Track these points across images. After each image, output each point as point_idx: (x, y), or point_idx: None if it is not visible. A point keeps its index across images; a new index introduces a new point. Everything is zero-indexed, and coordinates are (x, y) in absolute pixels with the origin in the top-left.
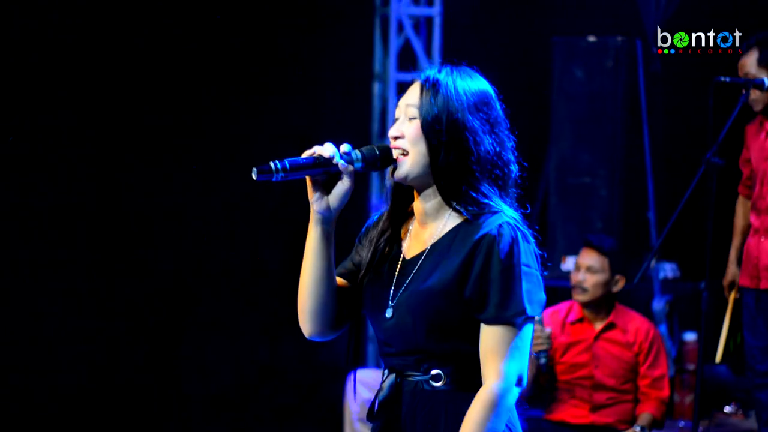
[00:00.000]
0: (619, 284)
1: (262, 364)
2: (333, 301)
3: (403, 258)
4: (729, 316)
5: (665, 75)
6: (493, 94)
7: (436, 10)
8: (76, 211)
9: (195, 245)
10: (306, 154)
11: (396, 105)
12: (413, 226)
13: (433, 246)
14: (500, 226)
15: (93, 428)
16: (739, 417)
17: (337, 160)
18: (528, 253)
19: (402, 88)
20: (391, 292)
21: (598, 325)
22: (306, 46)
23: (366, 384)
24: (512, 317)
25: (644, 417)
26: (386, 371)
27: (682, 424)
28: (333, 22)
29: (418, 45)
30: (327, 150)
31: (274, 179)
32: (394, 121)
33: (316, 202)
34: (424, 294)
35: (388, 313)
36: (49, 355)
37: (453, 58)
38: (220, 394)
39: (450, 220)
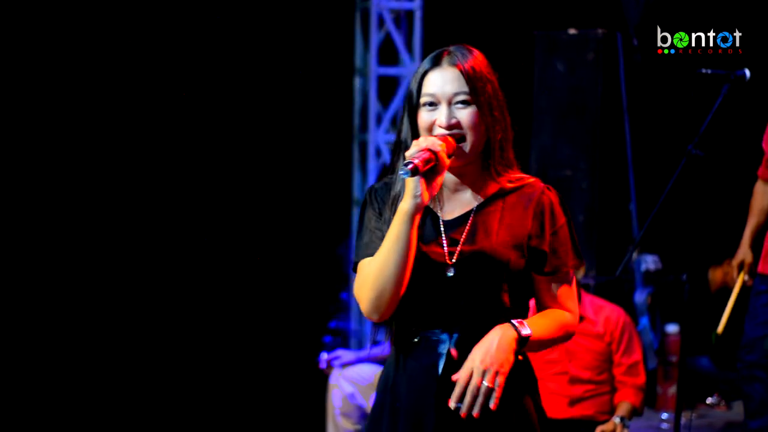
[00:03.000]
0: (581, 272)
1: (246, 358)
2: None
3: (442, 220)
4: (735, 297)
5: (646, 67)
6: None
7: (416, 4)
8: (60, 212)
9: (179, 239)
10: (419, 147)
11: (376, 99)
12: (441, 193)
13: (479, 208)
14: (548, 188)
15: (74, 428)
16: (722, 408)
17: (442, 155)
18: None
19: (383, 82)
20: (446, 251)
21: None
22: (287, 41)
23: (348, 378)
24: (577, 265)
25: (623, 406)
26: (441, 334)
27: (664, 415)
28: (314, 16)
29: (398, 39)
30: (435, 144)
31: (417, 176)
32: (420, 104)
33: (421, 194)
34: (498, 249)
35: (450, 272)
36: (33, 355)
37: (433, 51)
38: (202, 389)
39: (489, 186)
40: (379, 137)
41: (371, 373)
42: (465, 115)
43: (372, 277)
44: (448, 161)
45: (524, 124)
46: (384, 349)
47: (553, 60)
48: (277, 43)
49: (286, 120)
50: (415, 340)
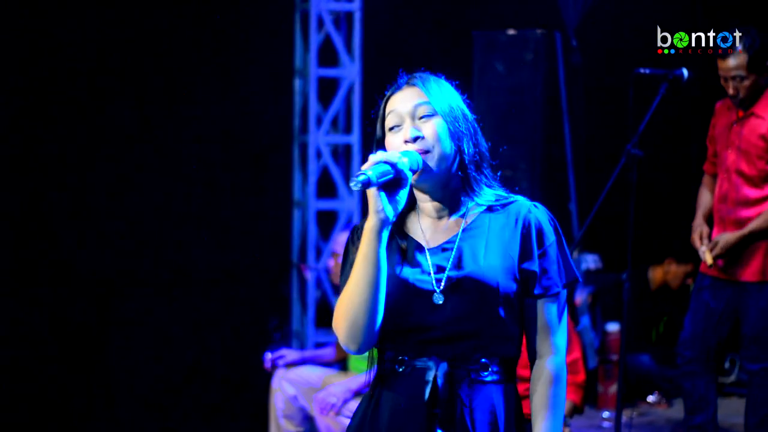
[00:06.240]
0: None
1: (188, 362)
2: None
3: (427, 248)
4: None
5: (585, 67)
6: None
7: (356, 6)
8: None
9: (121, 245)
10: (374, 160)
11: (316, 100)
12: (422, 221)
13: (465, 231)
14: (535, 206)
15: (20, 428)
16: (663, 406)
17: (401, 166)
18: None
19: (323, 84)
20: (433, 278)
21: None
22: (226, 42)
23: (291, 380)
24: (569, 285)
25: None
26: (429, 362)
27: (606, 414)
28: (253, 18)
29: (338, 40)
30: (393, 156)
31: (369, 187)
32: (385, 130)
33: (383, 210)
34: (488, 273)
35: (438, 300)
36: None
37: (373, 54)
38: (146, 393)
39: (472, 209)
40: (320, 139)
41: (314, 375)
42: (429, 126)
43: (344, 303)
44: (410, 173)
45: None
46: (329, 352)
47: (492, 60)
48: (218, 44)
49: (227, 121)
50: (401, 369)
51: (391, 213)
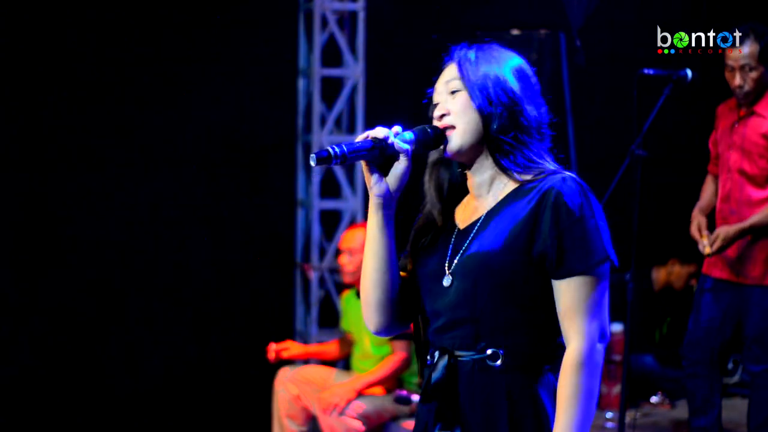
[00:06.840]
0: None
1: (190, 362)
2: (397, 291)
3: (458, 229)
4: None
5: (589, 68)
6: (525, 63)
7: (360, 5)
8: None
9: (121, 242)
10: (360, 138)
11: (320, 100)
12: (468, 202)
13: (489, 212)
14: (563, 179)
15: (20, 427)
16: (666, 407)
17: (392, 139)
18: (598, 204)
19: (327, 83)
20: (447, 261)
21: None
22: (230, 42)
23: (294, 380)
24: (596, 265)
25: None
26: (436, 352)
27: (609, 414)
28: (257, 17)
29: (342, 40)
30: (380, 132)
31: (332, 164)
32: (432, 106)
33: (375, 186)
34: (488, 253)
35: (446, 282)
36: None
37: (377, 53)
38: (148, 391)
39: (506, 188)
40: (324, 138)
41: (318, 375)
42: (454, 102)
43: (361, 281)
44: (406, 145)
45: None
46: (333, 348)
47: None
48: (221, 44)
49: (230, 121)
50: (429, 361)
51: (383, 188)
